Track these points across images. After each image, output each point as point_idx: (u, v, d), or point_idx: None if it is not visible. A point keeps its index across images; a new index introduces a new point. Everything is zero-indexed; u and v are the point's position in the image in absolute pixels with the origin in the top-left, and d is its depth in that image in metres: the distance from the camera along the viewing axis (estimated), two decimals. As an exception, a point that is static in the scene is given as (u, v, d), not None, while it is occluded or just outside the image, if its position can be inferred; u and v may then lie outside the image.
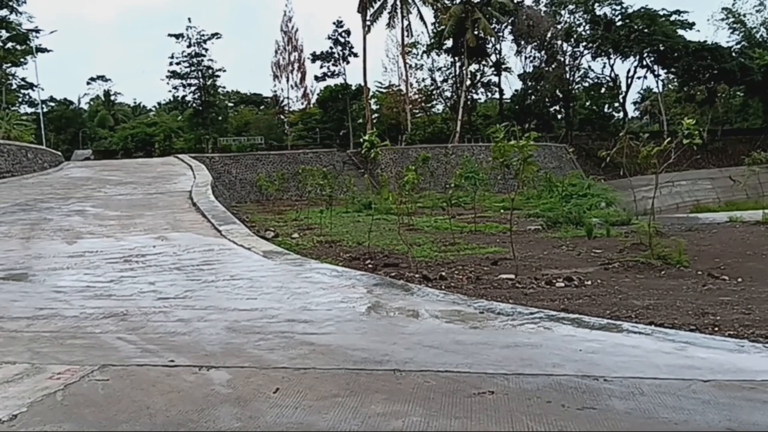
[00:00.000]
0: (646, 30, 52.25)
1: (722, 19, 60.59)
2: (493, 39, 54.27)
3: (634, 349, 5.67)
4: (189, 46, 57.22)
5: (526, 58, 55.58)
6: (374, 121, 55.84)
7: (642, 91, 67.72)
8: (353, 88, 60.10)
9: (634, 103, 70.53)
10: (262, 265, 9.92)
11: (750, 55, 52.77)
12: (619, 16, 53.94)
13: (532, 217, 19.71)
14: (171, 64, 58.03)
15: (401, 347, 5.56)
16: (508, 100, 58.83)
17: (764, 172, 36.56)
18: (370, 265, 11.10)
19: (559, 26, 53.82)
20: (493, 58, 56.65)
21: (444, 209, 20.23)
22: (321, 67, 58.17)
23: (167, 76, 58.64)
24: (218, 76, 59.04)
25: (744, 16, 60.64)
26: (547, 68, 54.76)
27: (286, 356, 5.28)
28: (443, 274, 10.05)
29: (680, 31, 53.87)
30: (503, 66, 56.76)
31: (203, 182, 23.80)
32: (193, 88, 58.10)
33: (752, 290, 8.49)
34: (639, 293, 8.42)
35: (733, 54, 53.76)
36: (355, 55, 55.87)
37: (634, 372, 4.97)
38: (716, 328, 6.60)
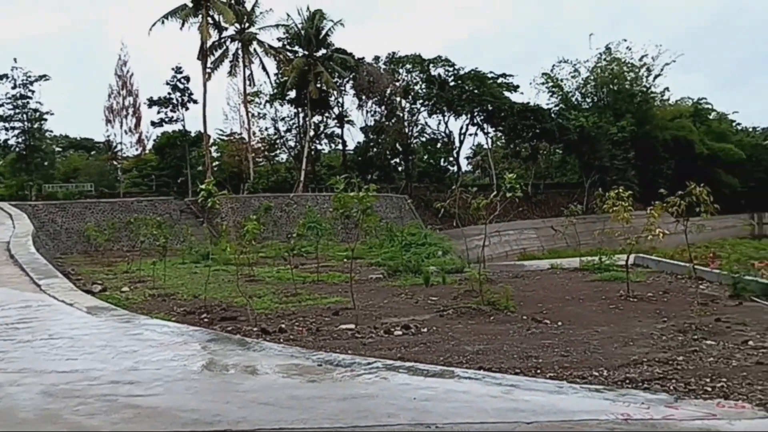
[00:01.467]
0: (476, 91, 55.87)
1: (542, 83, 66.53)
2: (335, 92, 55.57)
3: (464, 395, 5.88)
4: (14, 88, 53.28)
5: (367, 112, 57.35)
6: (215, 168, 54.69)
7: (474, 147, 71.97)
8: (193, 134, 58.71)
9: (467, 157, 74.71)
10: (85, 322, 9.25)
11: (567, 116, 57.99)
12: (452, 77, 57.31)
13: (374, 266, 20.06)
14: (-8, 106, 53.74)
15: (235, 406, 5.37)
16: (352, 152, 60.14)
17: (581, 222, 39.96)
18: (206, 320, 10.73)
19: (397, 83, 56.18)
20: (336, 110, 57.94)
21: (286, 259, 20.09)
22: (158, 112, 56.30)
23: (-13, 119, 54.16)
24: (45, 120, 55.35)
25: (561, 81, 66.95)
26: (387, 122, 56.78)
27: (107, 421, 4.91)
28: (283, 326, 9.92)
29: (506, 93, 58.17)
30: (346, 118, 58.17)
31: (23, 232, 21.97)
32: (16, 132, 53.97)
33: (570, 333, 9.15)
34: (470, 339, 8.79)
35: (553, 115, 58.81)
36: (195, 102, 54.71)
37: (464, 417, 5.13)
38: (539, 371, 7.02)
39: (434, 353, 7.91)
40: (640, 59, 65.09)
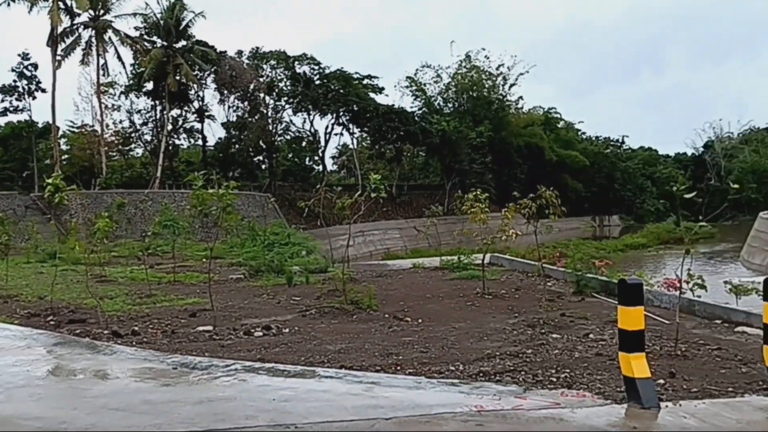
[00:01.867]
0: (342, 90, 56.12)
1: (407, 87, 68.07)
2: (195, 86, 53.74)
3: (325, 394, 5.89)
4: None
5: (229, 107, 55.88)
6: (64, 162, 51.16)
7: (339, 147, 72.29)
8: (40, 125, 54.70)
9: (333, 157, 74.92)
10: None
11: (430, 120, 59.70)
12: (318, 76, 57.21)
13: (235, 266, 19.64)
14: None
15: (83, 412, 5.06)
16: (212, 148, 58.39)
17: (442, 223, 41.24)
18: (52, 322, 10.05)
19: (261, 79, 55.26)
20: (196, 104, 56.01)
21: (141, 258, 19.20)
22: (2, 101, 51.97)
23: None
24: None
25: (424, 85, 68.87)
26: (250, 119, 55.65)
27: (-67, 436, 4.47)
28: (136, 328, 9.48)
29: (372, 94, 58.91)
30: (206, 113, 56.34)
31: None
32: None
33: (430, 330, 9.42)
34: (333, 338, 8.81)
35: (416, 118, 60.31)
36: (43, 91, 50.96)
37: (324, 416, 5.14)
38: (399, 368, 7.17)
39: (296, 353, 7.86)
40: (497, 68, 68.31)
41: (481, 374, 6.83)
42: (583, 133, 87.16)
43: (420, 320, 10.26)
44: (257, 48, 56.71)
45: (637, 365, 5.64)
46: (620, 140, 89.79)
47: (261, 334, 9.20)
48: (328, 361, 7.41)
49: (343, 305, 11.07)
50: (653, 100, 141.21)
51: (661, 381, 6.31)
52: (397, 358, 7.57)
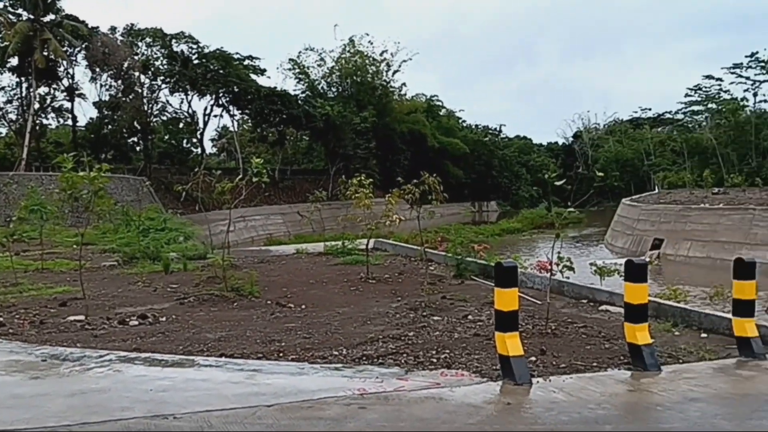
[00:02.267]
0: (221, 71, 54.53)
1: (290, 69, 67.22)
2: (65, 62, 50.56)
3: (205, 383, 5.76)
4: None
5: (102, 86, 52.92)
6: None
7: (219, 129, 70.43)
8: None
9: (212, 139, 72.92)
10: None
11: (313, 104, 59.27)
12: (196, 55, 55.28)
13: (108, 253, 18.71)
14: None
15: (-62, 411, 4.68)
16: (83, 128, 55.17)
17: (326, 208, 41.21)
18: None
19: (136, 57, 52.73)
20: (66, 82, 52.70)
21: (5, 245, 17.90)
22: None
23: None
24: None
25: (308, 68, 68.26)
26: (124, 98, 52.98)
27: None
28: (1, 319, 8.88)
29: (253, 76, 57.62)
30: (77, 92, 53.14)
31: None
32: None
33: (313, 316, 9.40)
34: (213, 326, 8.61)
35: (300, 102, 59.69)
36: None
37: (204, 406, 5.03)
38: (281, 354, 7.11)
39: (173, 342, 7.63)
40: (381, 54, 68.81)
41: (364, 358, 6.90)
42: (464, 121, 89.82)
43: (303, 306, 10.22)
44: (132, 24, 54.14)
45: (511, 344, 5.91)
46: (498, 129, 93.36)
47: (137, 323, 8.85)
48: (208, 350, 7.24)
49: (224, 292, 10.84)
50: (528, 91, 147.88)
51: (533, 358, 6.63)
52: (280, 345, 7.52)
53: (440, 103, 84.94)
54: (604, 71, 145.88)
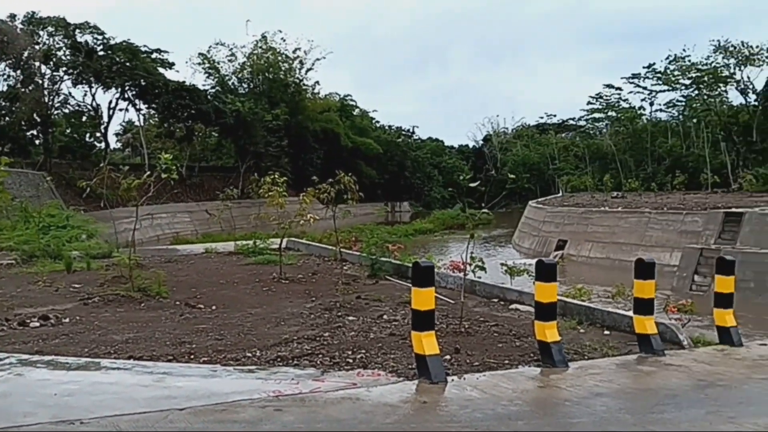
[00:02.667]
0: (128, 64, 52.45)
1: (199, 64, 65.42)
2: (-44, 49, 47.44)
3: (112, 386, 5.53)
4: None
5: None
6: None
7: (124, 123, 67.82)
8: None
9: (117, 134, 70.16)
10: None
11: (223, 99, 57.91)
12: (102, 46, 52.98)
13: (5, 251, 17.69)
14: None
15: None
16: (-23, 121, 51.97)
17: (236, 207, 40.50)
18: None
19: (37, 47, 50.05)
20: (-43, 70, 49.44)
21: None
22: None
23: None
24: None
25: (218, 63, 66.72)
26: (23, 89, 50.14)
27: None
28: None
29: (161, 69, 55.71)
30: (-30, 82, 49.98)
31: None
32: None
33: (225, 317, 9.20)
34: (119, 327, 8.29)
35: (209, 97, 58.16)
36: None
37: (112, 410, 4.83)
38: (192, 356, 6.92)
39: (78, 345, 7.29)
40: (294, 51, 68.16)
41: (278, 359, 6.81)
42: (377, 121, 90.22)
43: (214, 307, 9.99)
44: (33, 12, 51.24)
45: (427, 343, 5.98)
46: (411, 130, 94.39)
47: (38, 324, 8.40)
48: (115, 352, 6.96)
49: (130, 292, 10.45)
50: (440, 94, 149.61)
51: (448, 357, 6.74)
52: (191, 347, 7.32)
53: (354, 103, 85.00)
54: (512, 78, 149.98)
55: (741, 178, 45.89)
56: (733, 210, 25.86)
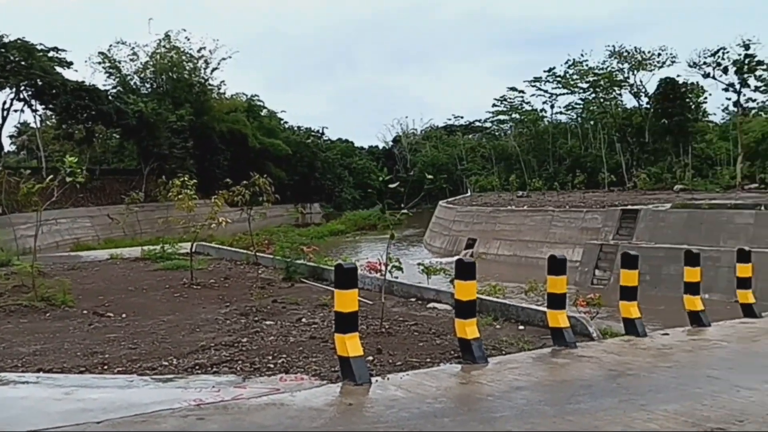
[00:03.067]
0: (23, 62, 49.78)
1: (99, 63, 62.73)
2: None
3: (23, 401, 5.26)
4: None
5: None
6: None
7: (19, 125, 64.25)
8: None
9: (11, 136, 66.44)
10: None
11: (125, 100, 55.79)
12: (-7, 44, 50.19)
13: None
14: None
15: None
16: None
17: (140, 211, 39.17)
18: None
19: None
20: None
21: None
22: None
23: None
24: None
25: (119, 63, 64.22)
26: None
27: None
28: None
29: (59, 69, 53.10)
30: None
31: None
32: None
33: (136, 325, 8.89)
34: (24, 339, 7.86)
35: (110, 97, 55.89)
36: None
37: (26, 425, 4.61)
38: (106, 367, 6.65)
39: (-21, 359, 6.86)
40: (199, 51, 66.52)
41: (197, 367, 6.65)
42: (286, 122, 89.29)
43: (124, 315, 9.64)
44: None
45: (351, 345, 5.99)
46: (321, 131, 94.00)
47: (-70, 340, 7.85)
48: (23, 365, 6.60)
49: (33, 302, 9.94)
50: (349, 95, 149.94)
51: (371, 357, 6.77)
52: (104, 357, 7.03)
53: (261, 103, 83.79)
54: (419, 80, 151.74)
55: (635, 177, 48.42)
56: (629, 207, 27.27)
